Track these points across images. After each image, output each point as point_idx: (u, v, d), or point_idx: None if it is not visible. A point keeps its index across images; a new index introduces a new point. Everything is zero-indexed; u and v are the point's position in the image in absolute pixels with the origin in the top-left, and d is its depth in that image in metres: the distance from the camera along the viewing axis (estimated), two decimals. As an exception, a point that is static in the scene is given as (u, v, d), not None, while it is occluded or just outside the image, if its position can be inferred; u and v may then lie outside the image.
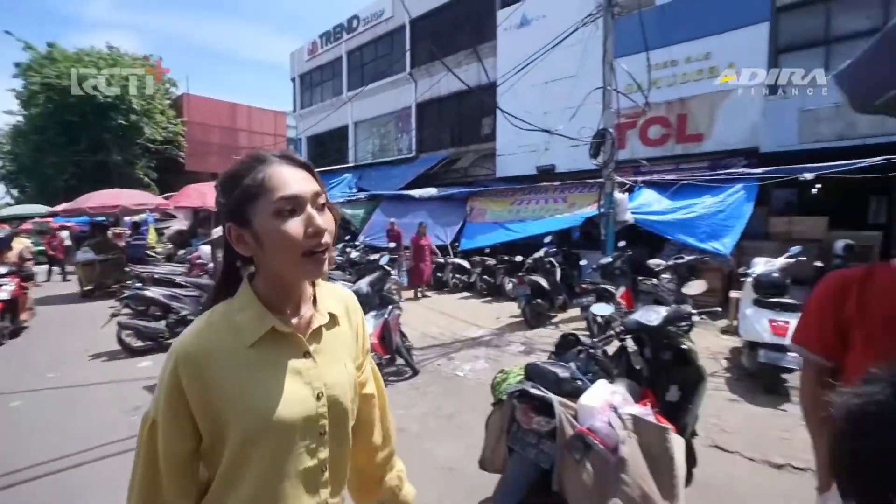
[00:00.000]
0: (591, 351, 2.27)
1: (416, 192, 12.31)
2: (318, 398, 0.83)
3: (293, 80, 22.11)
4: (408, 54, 15.86)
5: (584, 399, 1.98)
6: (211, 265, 6.20)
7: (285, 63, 24.15)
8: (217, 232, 6.72)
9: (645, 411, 2.00)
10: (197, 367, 0.75)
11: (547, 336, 6.01)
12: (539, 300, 6.32)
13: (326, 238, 0.79)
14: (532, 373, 2.14)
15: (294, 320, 0.85)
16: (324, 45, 20.05)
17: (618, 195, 6.78)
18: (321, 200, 0.80)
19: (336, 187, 15.87)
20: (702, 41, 8.97)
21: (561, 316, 7.04)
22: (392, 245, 9.14)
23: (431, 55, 14.08)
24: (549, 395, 1.98)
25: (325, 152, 19.91)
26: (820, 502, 1.29)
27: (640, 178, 8.79)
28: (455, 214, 11.48)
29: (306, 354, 0.84)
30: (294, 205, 0.76)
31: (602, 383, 2.08)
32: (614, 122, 6.74)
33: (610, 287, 5.60)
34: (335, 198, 14.49)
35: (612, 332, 2.69)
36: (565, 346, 2.44)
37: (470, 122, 14.29)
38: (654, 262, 6.29)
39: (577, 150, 8.42)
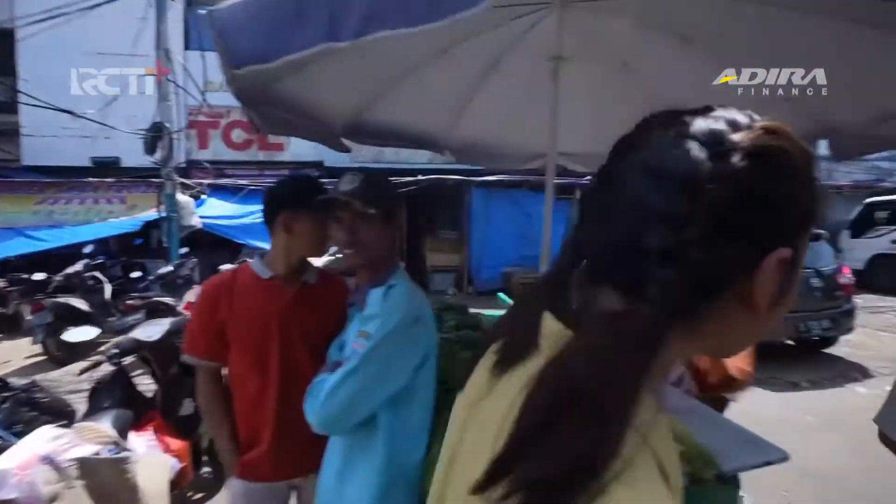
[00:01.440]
0: (24, 395, 1.77)
1: None
2: None
3: None
4: None
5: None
6: None
7: None
8: None
9: (101, 447, 1.72)
10: None
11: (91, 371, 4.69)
12: (72, 327, 4.90)
13: None
14: None
15: None
16: None
17: (182, 198, 6.18)
18: None
19: None
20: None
21: (117, 339, 5.77)
22: None
23: None
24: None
25: None
26: (227, 484, 1.38)
27: (222, 181, 8.55)
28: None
29: None
30: None
31: (41, 432, 1.65)
32: (173, 114, 6.09)
33: (169, 300, 5.01)
34: None
35: (97, 359, 2.28)
36: (-17, 396, 1.82)
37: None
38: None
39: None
